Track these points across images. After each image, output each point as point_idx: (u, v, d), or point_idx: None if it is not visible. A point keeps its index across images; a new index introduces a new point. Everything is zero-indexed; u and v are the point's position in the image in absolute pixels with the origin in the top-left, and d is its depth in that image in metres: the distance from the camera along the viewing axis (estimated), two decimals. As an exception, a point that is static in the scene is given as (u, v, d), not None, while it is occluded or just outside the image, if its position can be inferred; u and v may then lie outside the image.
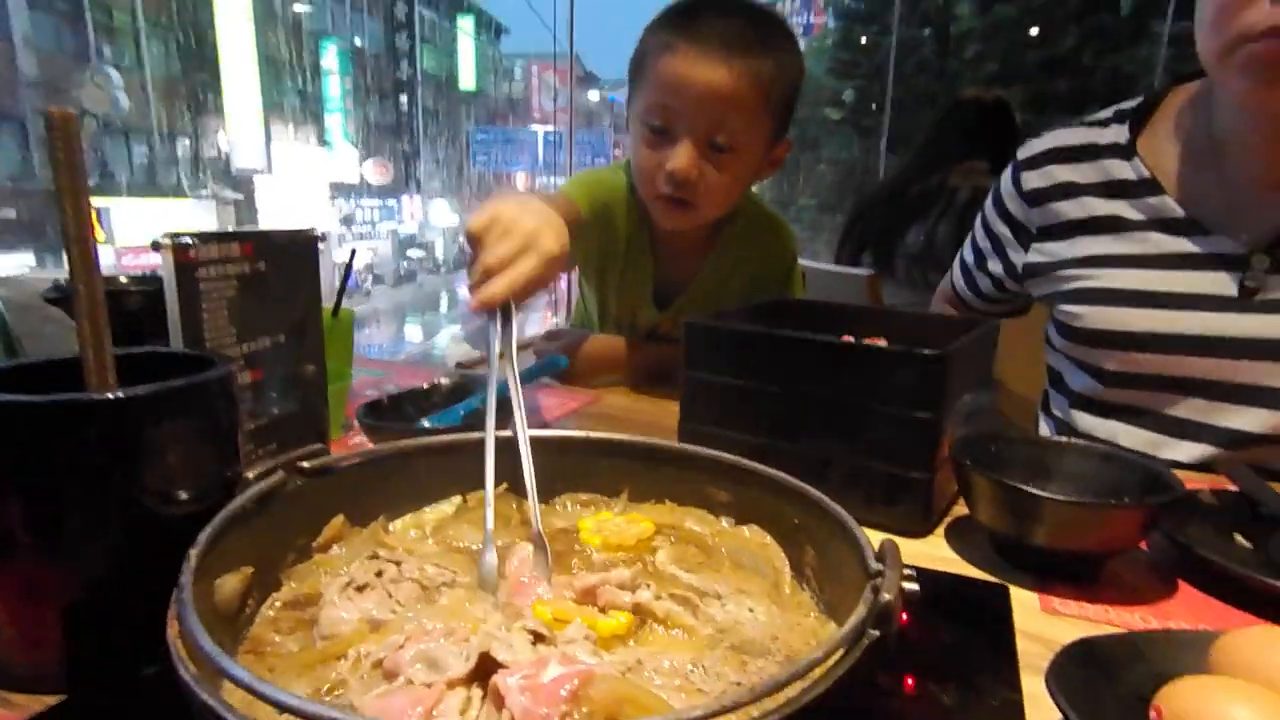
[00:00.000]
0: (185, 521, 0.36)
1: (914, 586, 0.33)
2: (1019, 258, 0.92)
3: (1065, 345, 0.87)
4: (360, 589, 0.39)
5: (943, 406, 0.55)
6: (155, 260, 0.47)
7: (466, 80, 21.67)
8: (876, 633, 0.31)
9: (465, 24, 21.32)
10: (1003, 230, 0.94)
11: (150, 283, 0.60)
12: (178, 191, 13.43)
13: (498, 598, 0.41)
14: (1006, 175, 0.94)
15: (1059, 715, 0.35)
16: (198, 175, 13.77)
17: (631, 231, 1.05)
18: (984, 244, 0.98)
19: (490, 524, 0.45)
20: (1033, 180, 0.89)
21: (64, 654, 0.38)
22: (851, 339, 0.63)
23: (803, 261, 1.19)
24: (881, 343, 0.64)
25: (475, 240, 0.63)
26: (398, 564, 0.41)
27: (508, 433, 0.52)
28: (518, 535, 0.49)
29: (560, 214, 0.70)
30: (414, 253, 17.53)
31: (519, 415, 0.50)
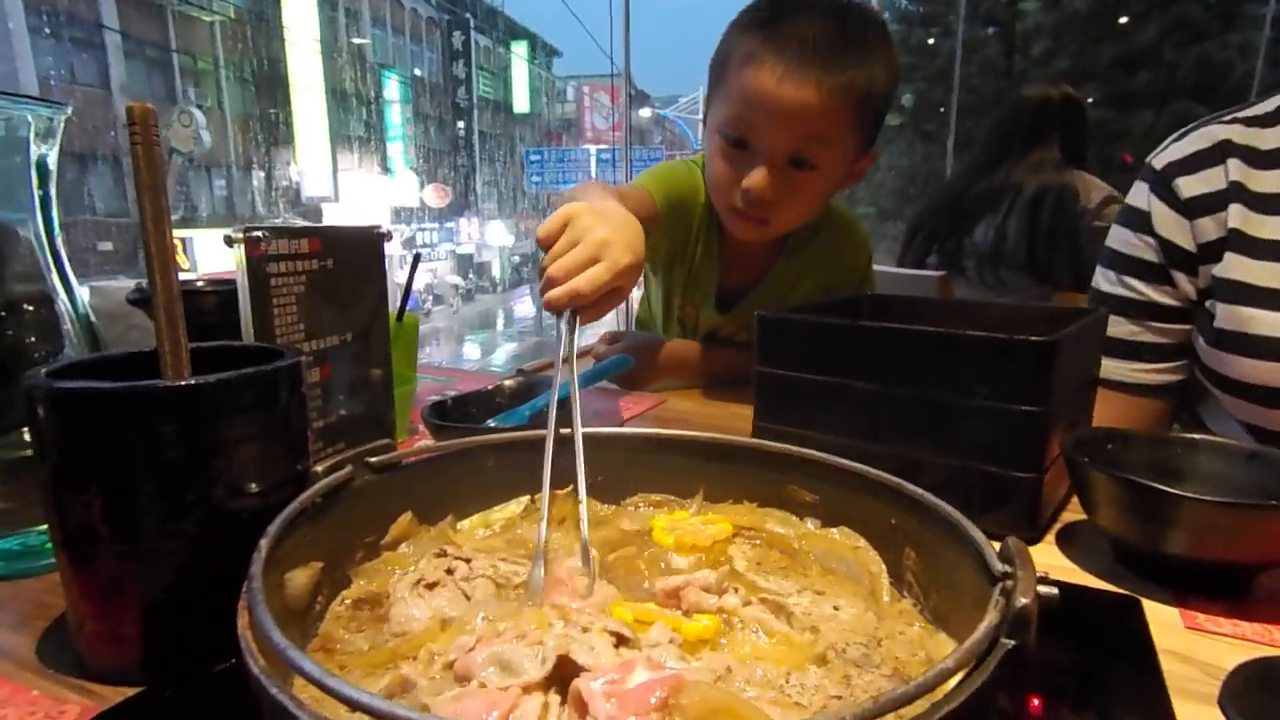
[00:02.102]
0: (257, 515, 0.35)
1: (1052, 590, 0.29)
2: (1189, 282, 0.75)
3: (1224, 398, 0.73)
4: (430, 586, 0.37)
5: (1051, 400, 0.50)
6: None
7: (521, 103, 22.22)
8: (1012, 642, 0.27)
9: (519, 49, 21.92)
10: (1152, 258, 0.77)
11: (225, 285, 0.60)
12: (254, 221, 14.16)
13: (539, 598, 0.38)
14: (1143, 191, 0.78)
15: (1225, 745, 0.30)
16: (271, 205, 14.48)
17: (701, 230, 1.02)
18: (1134, 288, 0.79)
19: (544, 533, 0.42)
20: (1194, 186, 0.73)
21: (143, 647, 0.37)
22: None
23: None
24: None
25: (545, 244, 0.61)
26: (467, 561, 0.39)
27: (568, 430, 0.50)
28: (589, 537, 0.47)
29: (637, 212, 0.67)
30: (452, 279, 17.84)
31: (576, 419, 0.47)
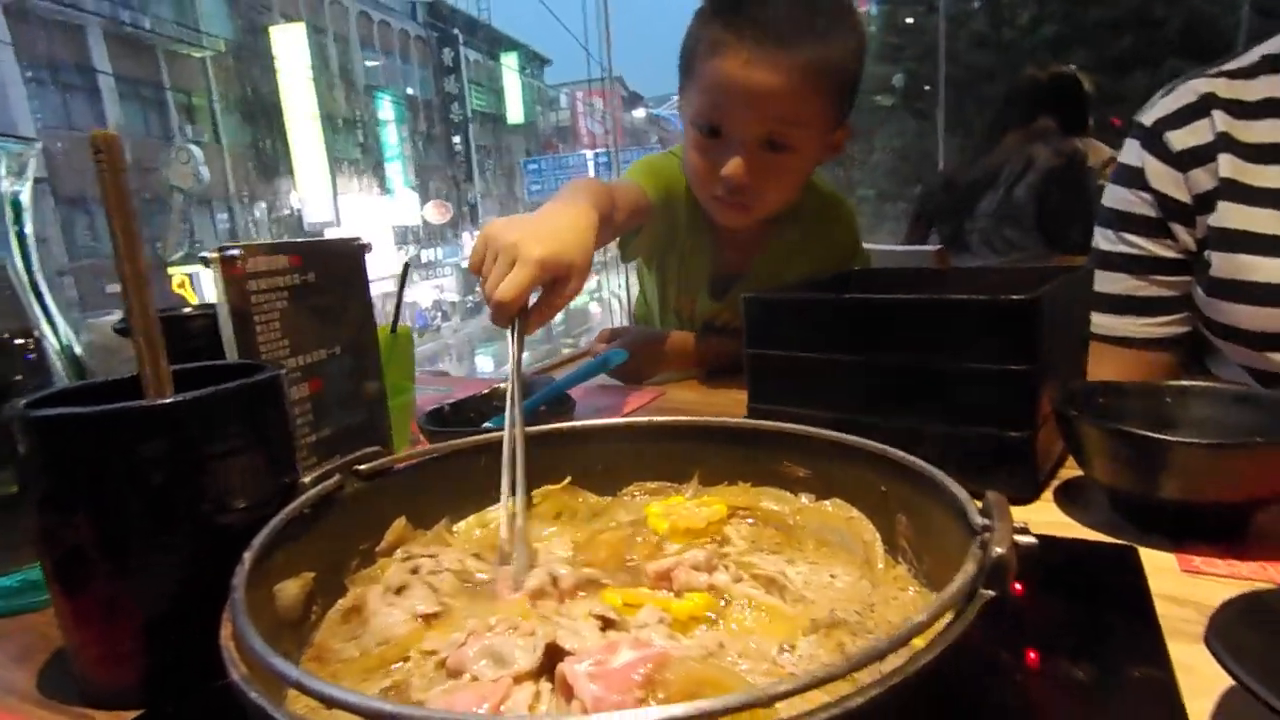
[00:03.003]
0: (246, 530, 0.36)
1: (1030, 540, 0.29)
2: (1187, 234, 0.75)
3: (1224, 345, 0.73)
4: (399, 591, 0.37)
5: (1038, 357, 0.50)
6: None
7: (514, 114, 22.30)
8: (990, 592, 0.27)
9: (510, 61, 22.00)
10: (1150, 212, 0.77)
11: (211, 308, 0.61)
12: (258, 251, 14.29)
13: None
14: (1135, 148, 0.78)
15: (1221, 683, 0.30)
16: (274, 234, 14.63)
17: (688, 220, 1.02)
18: (1134, 244, 0.78)
19: (506, 531, 0.43)
20: (1184, 139, 0.73)
21: (140, 669, 0.38)
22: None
23: (866, 245, 1.13)
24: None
25: (476, 274, 0.63)
26: (432, 557, 0.39)
27: (561, 424, 0.50)
28: (583, 530, 0.47)
29: (628, 205, 0.68)
30: (435, 293, 17.85)
31: (518, 412, 0.49)
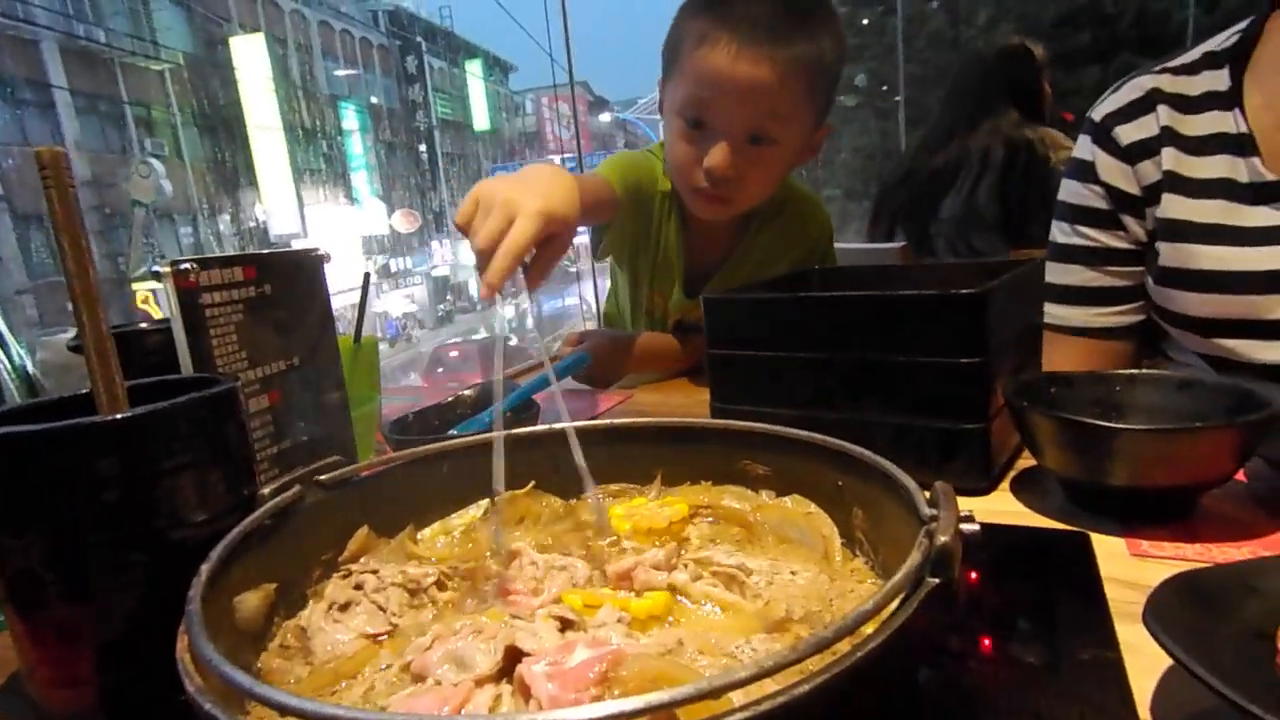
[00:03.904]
0: (204, 544, 0.35)
1: (973, 527, 0.30)
2: (1138, 225, 0.77)
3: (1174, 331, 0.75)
4: (344, 608, 0.37)
5: (989, 350, 0.51)
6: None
7: (480, 121, 22.20)
8: (936, 580, 0.28)
9: (474, 68, 21.89)
10: (1101, 205, 0.79)
11: (168, 323, 0.60)
12: (223, 265, 14.05)
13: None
14: (1086, 143, 0.80)
15: (1165, 661, 0.31)
16: (238, 247, 14.37)
17: (663, 217, 1.03)
18: (1088, 236, 0.80)
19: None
20: (1131, 133, 0.76)
21: (98, 688, 0.37)
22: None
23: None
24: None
25: (465, 230, 0.61)
26: (374, 572, 0.39)
27: (524, 430, 0.51)
28: (548, 532, 0.47)
29: (594, 194, 0.67)
30: (406, 303, 17.61)
31: (499, 414, 0.49)
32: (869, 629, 0.25)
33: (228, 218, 14.33)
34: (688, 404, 0.89)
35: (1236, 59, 0.71)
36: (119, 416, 0.35)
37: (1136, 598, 0.39)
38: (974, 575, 0.43)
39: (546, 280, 0.64)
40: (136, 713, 0.37)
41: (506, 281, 0.57)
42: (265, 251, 0.53)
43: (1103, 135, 0.79)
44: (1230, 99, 0.70)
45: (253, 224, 14.64)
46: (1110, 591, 0.40)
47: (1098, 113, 0.80)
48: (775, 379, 0.60)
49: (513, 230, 0.57)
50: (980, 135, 1.77)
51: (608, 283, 1.23)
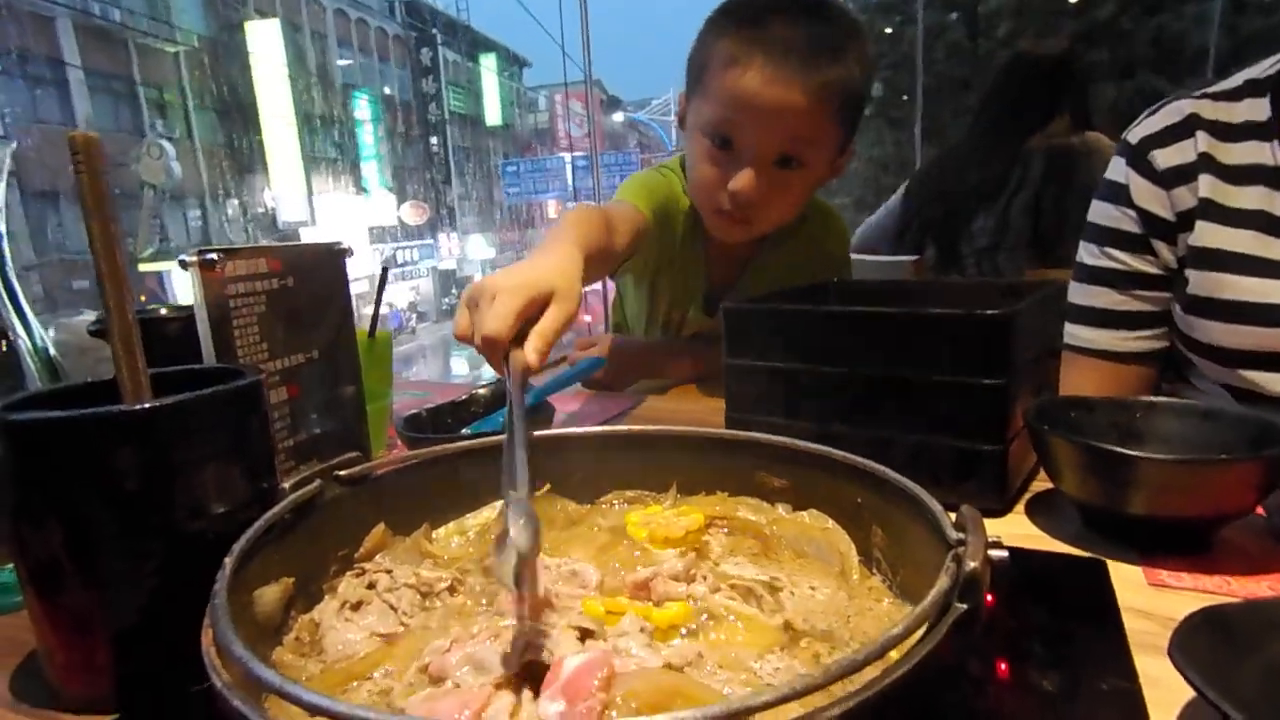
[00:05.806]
0: (224, 536, 0.35)
1: (1002, 554, 0.30)
2: (1169, 251, 0.76)
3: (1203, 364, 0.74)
4: (356, 607, 0.37)
5: (1011, 372, 0.51)
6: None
7: (493, 116, 22.22)
8: (964, 606, 0.27)
9: (488, 62, 21.92)
10: (1133, 228, 0.78)
11: (188, 310, 0.60)
12: (231, 249, 14.07)
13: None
14: (1121, 166, 0.79)
15: (1185, 694, 0.31)
16: (247, 233, 14.38)
17: (685, 235, 1.02)
18: (1117, 259, 0.79)
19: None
20: (1168, 158, 0.74)
21: (115, 676, 0.37)
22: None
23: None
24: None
25: (468, 340, 0.56)
26: (388, 572, 0.39)
27: (542, 432, 0.50)
28: (560, 537, 0.47)
29: (628, 227, 0.65)
30: (411, 295, 17.37)
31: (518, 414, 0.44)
32: (896, 654, 0.25)
33: (237, 203, 14.35)
34: (698, 411, 0.89)
35: (1278, 88, 0.70)
36: (148, 407, 0.35)
37: (1155, 628, 0.39)
38: (990, 598, 0.43)
39: (548, 349, 0.54)
40: (149, 699, 0.37)
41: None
42: (289, 244, 0.53)
43: (1138, 159, 0.77)
44: (1270, 130, 0.70)
45: (261, 210, 14.66)
46: (1128, 621, 0.39)
47: (1134, 135, 0.79)
48: (792, 391, 0.60)
49: (490, 309, 0.52)
50: (1029, 145, 1.63)
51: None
